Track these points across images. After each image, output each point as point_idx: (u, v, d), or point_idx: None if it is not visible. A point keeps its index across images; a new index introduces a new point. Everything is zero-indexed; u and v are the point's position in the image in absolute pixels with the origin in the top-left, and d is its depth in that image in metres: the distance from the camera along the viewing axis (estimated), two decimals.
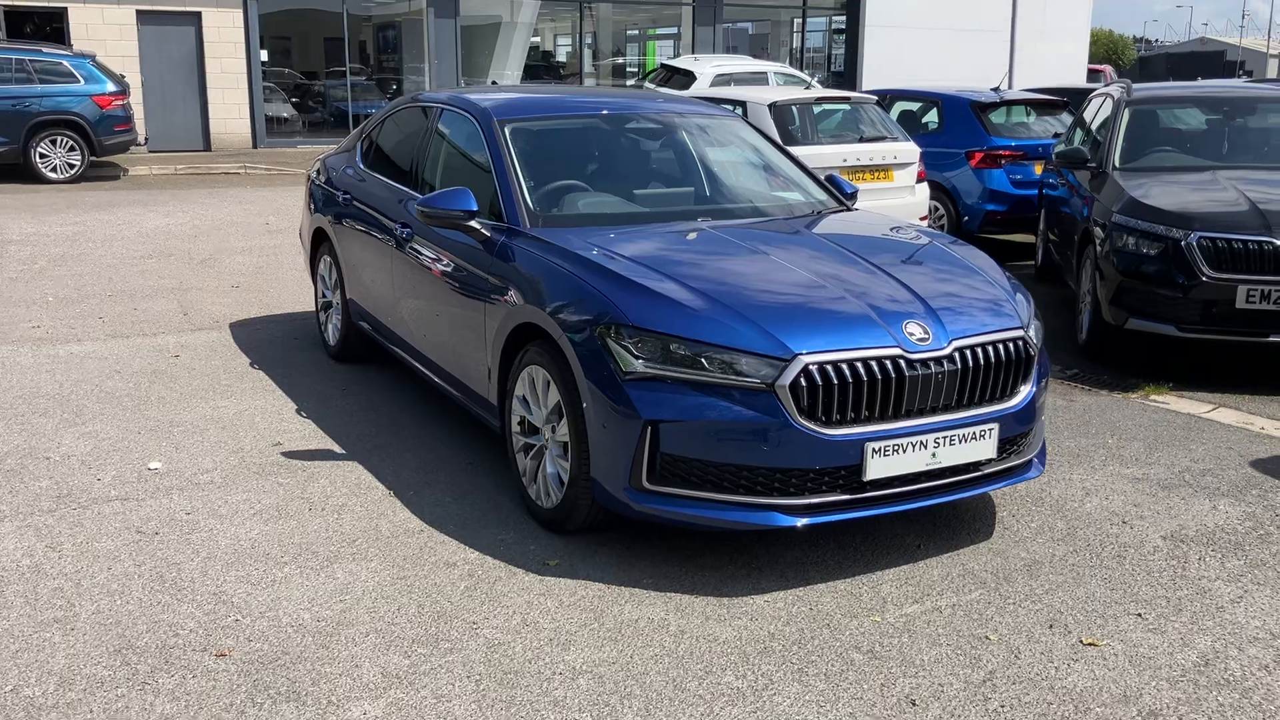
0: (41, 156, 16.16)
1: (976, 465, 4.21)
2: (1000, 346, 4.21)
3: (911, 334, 4.05)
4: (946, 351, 4.06)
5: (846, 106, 10.48)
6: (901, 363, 3.98)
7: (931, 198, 10.82)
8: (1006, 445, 4.30)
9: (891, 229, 5.26)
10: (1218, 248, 6.50)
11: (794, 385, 3.86)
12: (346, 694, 3.36)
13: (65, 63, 16.48)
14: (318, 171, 7.36)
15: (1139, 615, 3.88)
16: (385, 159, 6.44)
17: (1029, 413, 4.34)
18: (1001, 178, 10.75)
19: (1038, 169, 10.70)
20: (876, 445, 3.94)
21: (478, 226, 4.91)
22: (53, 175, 16.23)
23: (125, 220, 12.96)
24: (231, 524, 4.57)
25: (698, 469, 3.96)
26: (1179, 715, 3.29)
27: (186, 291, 9.15)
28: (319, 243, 7.17)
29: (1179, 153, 8.02)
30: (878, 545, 4.41)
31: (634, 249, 4.57)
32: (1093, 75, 30.64)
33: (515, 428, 4.67)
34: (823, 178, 5.85)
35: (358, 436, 5.64)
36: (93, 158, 16.62)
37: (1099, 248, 7.15)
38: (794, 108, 9.94)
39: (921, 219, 10.08)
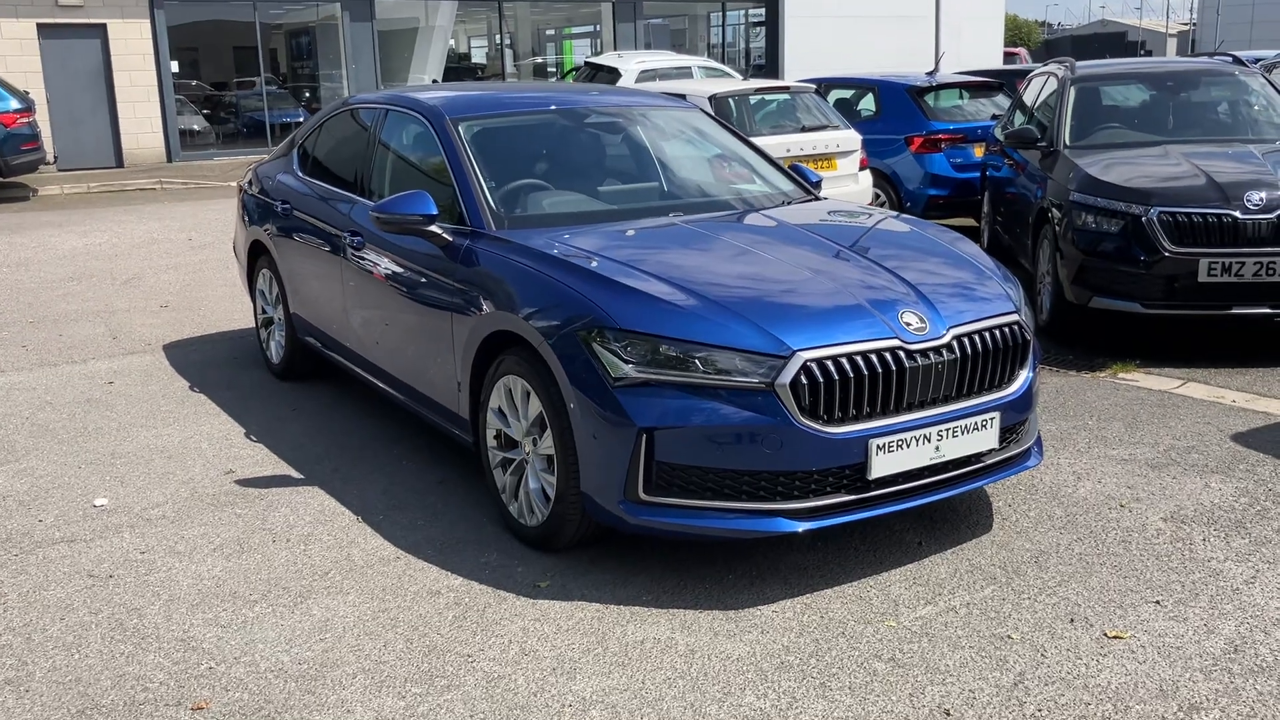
0: None
1: (979, 456, 4.06)
2: (998, 332, 4.06)
3: (908, 324, 3.88)
4: (945, 340, 3.90)
5: (786, 96, 10.35)
6: (901, 354, 3.81)
7: (873, 185, 10.74)
8: (1007, 434, 4.16)
9: (866, 216, 5.10)
10: (1178, 222, 6.46)
11: (794, 383, 3.67)
12: None
13: None
14: (249, 182, 7.01)
15: (1157, 603, 3.75)
16: (326, 165, 6.13)
17: (1027, 399, 4.20)
18: (942, 162, 10.71)
19: (977, 151, 10.67)
20: (880, 442, 3.76)
21: (439, 231, 4.65)
22: None
23: (39, 242, 12.38)
24: (191, 561, 4.26)
25: (696, 477, 3.75)
26: (1221, 708, 3.16)
27: (113, 314, 8.71)
28: (256, 256, 6.82)
29: (1127, 129, 8.00)
30: (878, 545, 4.24)
31: (609, 247, 4.34)
32: (1008, 59, 31.05)
33: (491, 442, 4.42)
34: (789, 166, 5.67)
35: (315, 459, 5.33)
36: (0, 179, 15.92)
37: (1057, 228, 7.08)
38: (733, 99, 9.78)
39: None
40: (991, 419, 4.01)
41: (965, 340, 3.95)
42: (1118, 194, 6.70)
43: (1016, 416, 4.16)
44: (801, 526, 3.76)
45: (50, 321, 8.48)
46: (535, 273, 4.17)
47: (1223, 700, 3.19)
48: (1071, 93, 8.08)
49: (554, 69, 27.58)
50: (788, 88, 10.30)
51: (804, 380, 3.68)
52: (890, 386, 3.79)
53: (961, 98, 11.75)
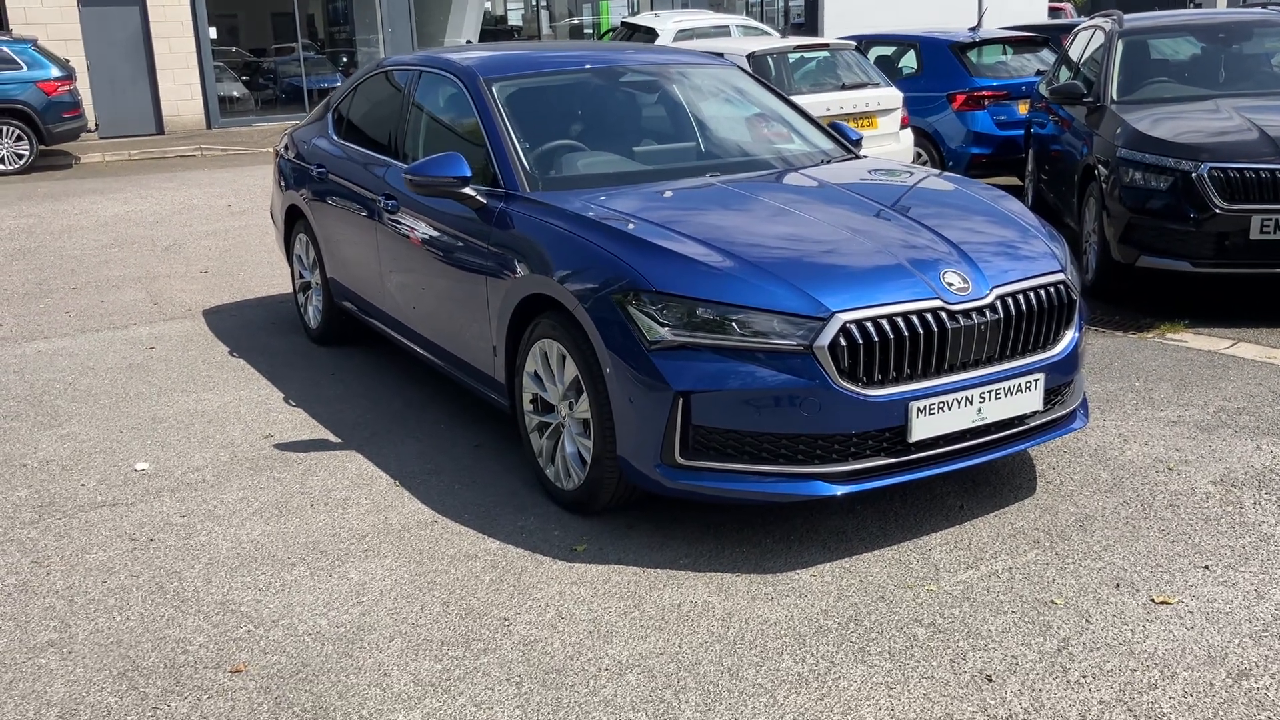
0: None
1: (1023, 419, 3.98)
2: (1042, 292, 3.97)
3: (950, 284, 3.79)
4: (988, 300, 3.81)
5: (825, 54, 10.19)
6: (943, 315, 3.73)
7: (915, 143, 10.57)
8: (1051, 396, 4.07)
9: (908, 175, 5.00)
10: (1229, 178, 6.29)
11: (833, 345, 3.61)
12: (378, 707, 3.09)
13: (5, 49, 15.87)
14: (286, 147, 7.00)
15: (1206, 568, 3.67)
16: (361, 129, 6.10)
17: (1072, 361, 4.11)
18: (985, 119, 10.50)
19: (1021, 108, 10.46)
20: (921, 404, 3.69)
21: (472, 193, 4.60)
22: (0, 167, 15.65)
23: (82, 210, 12.48)
24: (230, 525, 4.28)
25: (734, 440, 3.71)
26: (1271, 674, 3.08)
27: (154, 280, 8.77)
28: (293, 221, 6.82)
29: (1177, 83, 7.79)
30: (919, 508, 4.18)
31: (645, 209, 4.28)
32: (1053, 14, 30.41)
33: (528, 406, 4.39)
34: (829, 124, 5.57)
35: (353, 424, 5.34)
36: (42, 147, 16.05)
37: (1104, 184, 6.93)
38: (772, 57, 9.64)
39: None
40: (1036, 380, 3.92)
41: (1009, 300, 3.87)
42: (1167, 150, 6.53)
43: (1062, 378, 4.07)
44: (840, 490, 3.70)
45: (92, 288, 8.54)
46: (570, 235, 4.13)
47: (1273, 667, 3.11)
48: (1119, 46, 7.88)
49: (590, 30, 27.35)
50: (827, 45, 10.13)
51: (843, 342, 3.61)
52: (931, 348, 3.72)
53: (1005, 53, 11.51)
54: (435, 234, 4.91)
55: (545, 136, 4.95)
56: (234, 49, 23.77)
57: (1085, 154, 7.42)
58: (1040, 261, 4.06)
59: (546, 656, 3.30)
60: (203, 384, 6.05)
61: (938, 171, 5.12)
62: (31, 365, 6.51)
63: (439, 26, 23.05)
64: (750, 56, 9.40)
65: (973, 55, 10.99)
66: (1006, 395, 3.86)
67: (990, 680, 3.11)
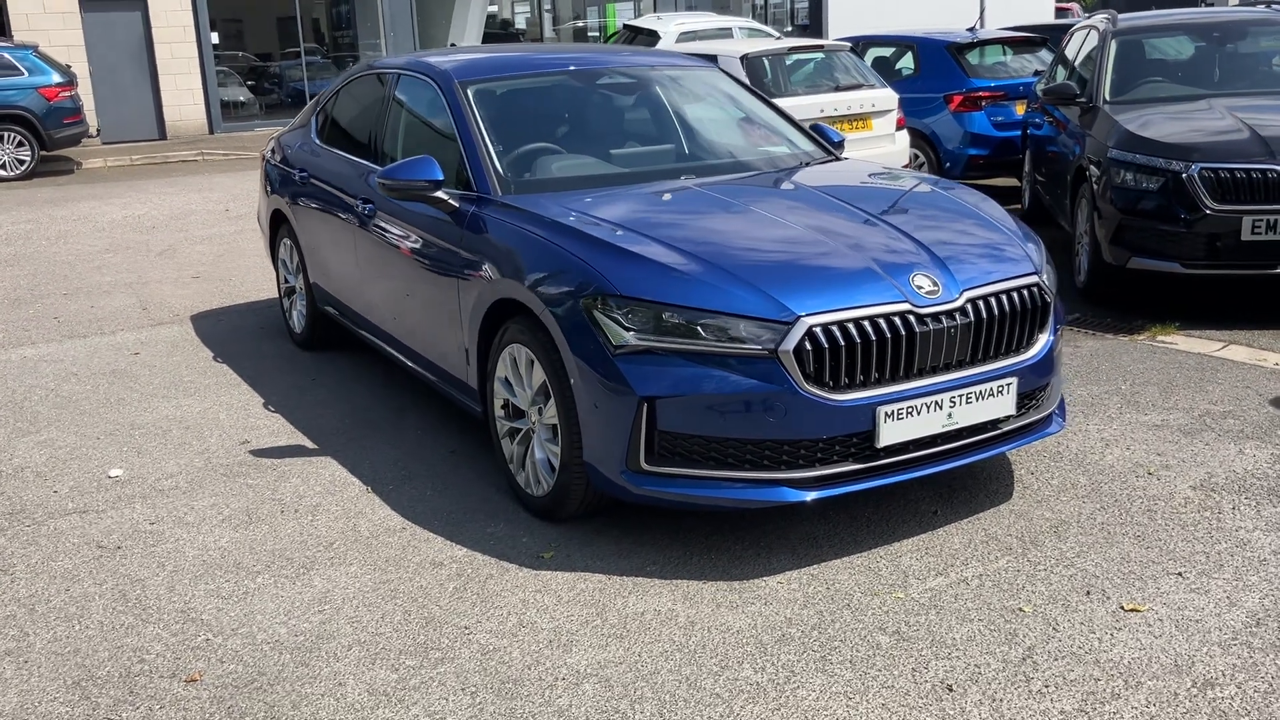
0: None
1: (995, 423, 3.93)
2: (1015, 294, 3.91)
3: (920, 287, 3.74)
4: (958, 303, 3.76)
5: (820, 55, 10.14)
6: (911, 318, 3.68)
7: (911, 145, 10.50)
8: (1026, 400, 4.01)
9: (886, 177, 4.95)
10: (1220, 178, 6.22)
11: (798, 350, 3.56)
12: (331, 717, 3.05)
13: (6, 55, 15.91)
14: (273, 150, 6.98)
15: (1179, 575, 3.61)
16: (342, 132, 6.07)
17: (1048, 364, 4.05)
18: (982, 120, 10.43)
19: (1019, 109, 10.39)
20: (889, 409, 3.64)
21: (444, 197, 4.57)
22: (2, 173, 15.70)
23: (80, 215, 12.50)
24: (199, 532, 4.25)
25: (699, 446, 3.66)
26: (1237, 684, 3.02)
27: (145, 285, 8.76)
28: (278, 225, 6.80)
29: (1171, 82, 7.72)
30: (892, 514, 4.13)
31: (616, 212, 4.24)
32: (1060, 13, 30.28)
33: (499, 412, 4.36)
34: (810, 126, 5.52)
35: (331, 430, 5.31)
36: (43, 152, 16.09)
37: (1095, 185, 6.86)
38: (766, 59, 9.59)
39: (902, 168, 9.77)
40: (1008, 384, 3.87)
41: (980, 303, 3.81)
42: (1157, 150, 6.47)
43: (1036, 381, 4.02)
44: (807, 496, 3.66)
45: (84, 293, 8.54)
46: (537, 239, 4.09)
47: (1239, 675, 3.06)
48: (1112, 46, 7.81)
49: (596, 33, 27.32)
50: (821, 46, 10.08)
51: (808, 346, 3.56)
52: (899, 352, 3.67)
53: (1004, 54, 11.44)
54: (410, 238, 4.88)
55: (520, 139, 4.92)
56: (240, 54, 23.80)
57: (1078, 155, 7.36)
58: (1013, 264, 4.01)
59: (504, 666, 3.26)
60: (184, 390, 6.03)
61: (915, 173, 5.07)
62: (15, 371, 6.50)
63: (441, 30, 23.05)
64: (744, 59, 9.37)
65: (971, 56, 10.92)
66: (978, 399, 3.81)
67: (951, 690, 3.05)
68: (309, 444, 5.14)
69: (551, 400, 3.95)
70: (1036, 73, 10.63)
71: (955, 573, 3.69)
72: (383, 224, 5.14)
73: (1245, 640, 3.23)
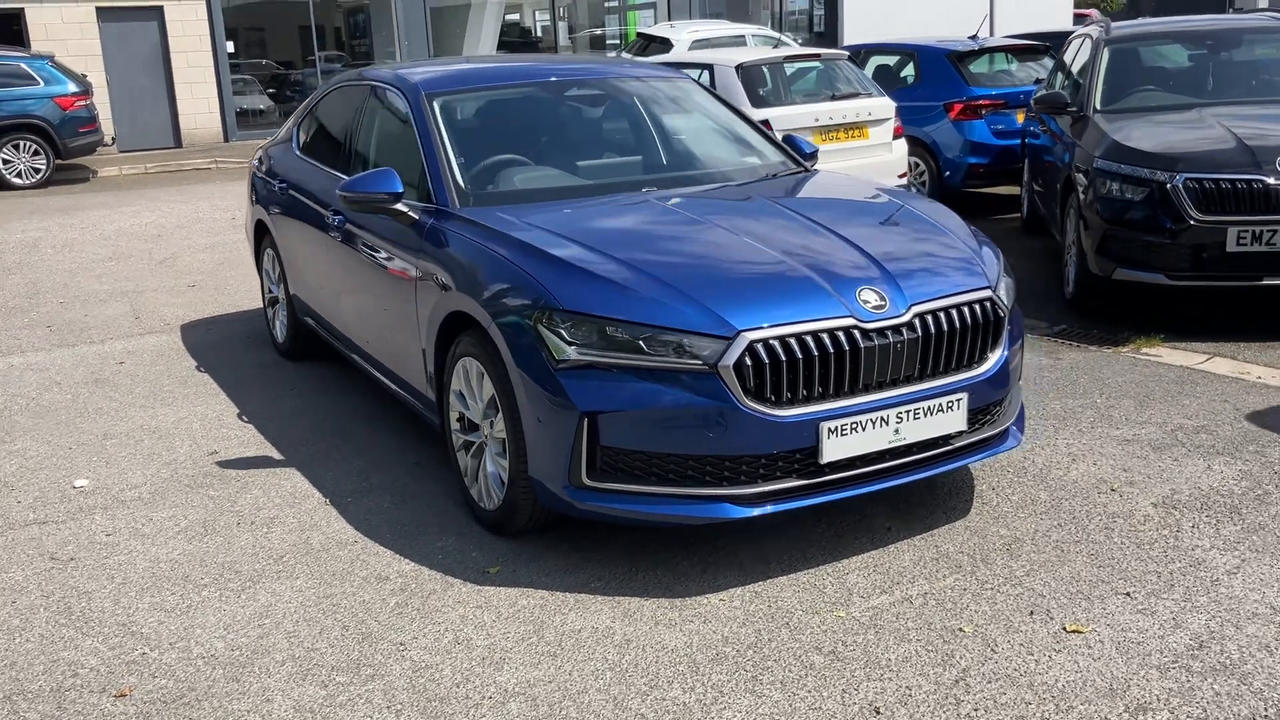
0: (4, 162, 15.80)
1: (946, 439, 3.88)
2: (966, 309, 3.86)
3: (866, 301, 3.70)
4: (905, 318, 3.72)
5: (818, 64, 10.09)
6: (856, 334, 3.64)
7: (911, 154, 10.44)
8: (978, 415, 3.96)
9: (850, 189, 4.91)
10: (1205, 189, 6.13)
11: (738, 365, 3.53)
12: None
13: (23, 65, 16.09)
14: (259, 161, 7.01)
15: (1127, 595, 3.55)
16: (318, 143, 6.09)
17: (1001, 379, 4.00)
18: (982, 129, 10.36)
19: (1020, 118, 10.31)
20: (832, 425, 3.60)
21: (404, 209, 4.57)
22: (17, 181, 15.87)
23: (88, 223, 12.61)
24: (154, 544, 4.25)
25: (641, 461, 3.64)
26: (1170, 709, 2.97)
27: (141, 294, 8.82)
28: (261, 235, 6.83)
29: (1163, 91, 7.63)
30: (845, 530, 4.09)
31: (569, 226, 4.22)
32: (1079, 20, 30.05)
33: (454, 424, 4.34)
34: (780, 138, 5.49)
35: (299, 441, 5.31)
36: (59, 161, 16.26)
37: (1082, 195, 6.79)
38: (762, 68, 9.55)
39: (900, 176, 9.71)
40: (958, 400, 3.82)
41: (929, 318, 3.77)
42: (1142, 160, 6.39)
43: (989, 397, 3.96)
44: (749, 512, 3.62)
45: (80, 302, 8.60)
46: (487, 252, 4.08)
47: (1174, 700, 3.00)
48: (1104, 55, 7.73)
49: (616, 41, 27.33)
50: (818, 55, 10.04)
51: (748, 361, 3.53)
52: (843, 367, 3.63)
53: (1008, 62, 11.36)
54: (375, 250, 4.88)
55: (485, 151, 4.91)
56: (264, 61, 23.98)
57: (1067, 163, 7.29)
58: (966, 278, 3.96)
59: (434, 684, 3.24)
60: (162, 399, 6.05)
61: (881, 185, 5.01)
62: (0, 380, 6.55)
63: (457, 39, 23.14)
64: (739, 68, 9.33)
65: (973, 64, 10.84)
66: (926, 415, 3.76)
67: (878, 713, 3.01)
68: (276, 455, 5.15)
69: (500, 413, 3.94)
70: (1038, 81, 10.54)
71: (900, 591, 3.65)
72: (351, 236, 5.15)
73: (1185, 664, 3.16)
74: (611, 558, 3.94)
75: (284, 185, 6.21)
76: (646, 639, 3.42)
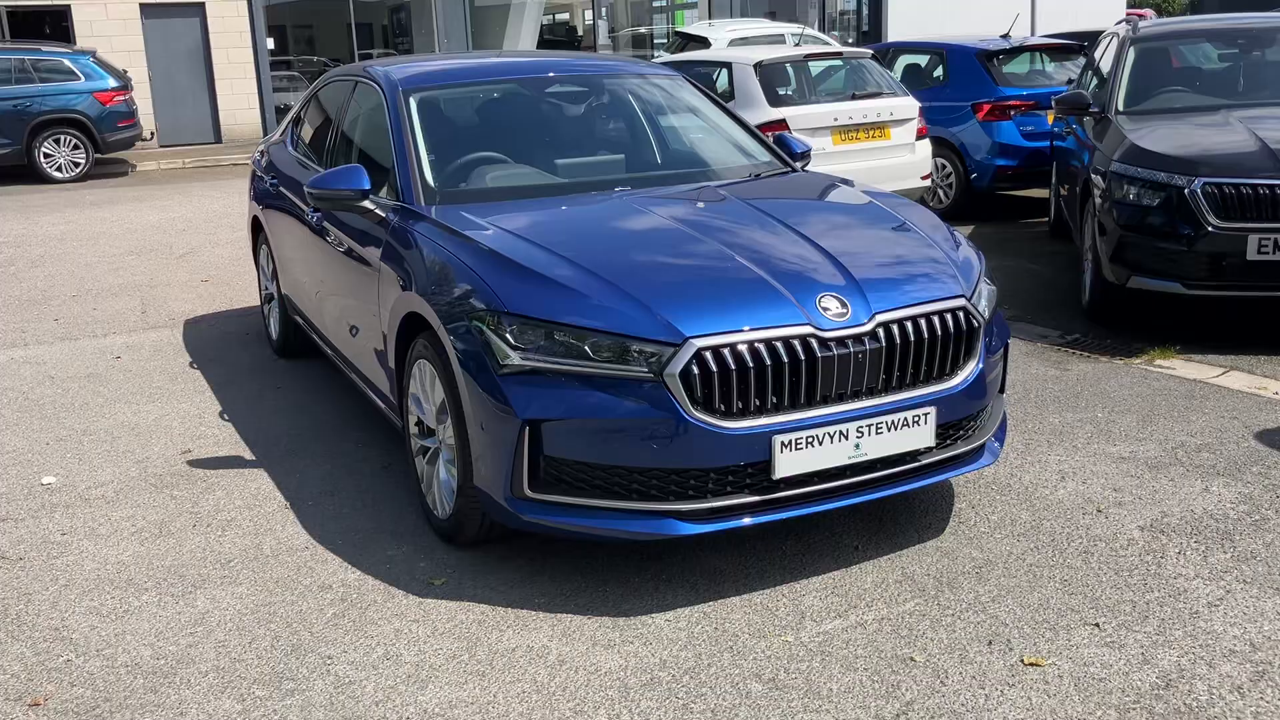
0: (45, 156, 15.99)
1: (913, 455, 3.68)
2: (936, 319, 3.66)
3: (826, 309, 3.52)
4: (867, 328, 3.53)
5: (839, 63, 9.89)
6: (813, 342, 3.46)
7: (937, 155, 10.19)
8: (949, 431, 3.76)
9: (831, 191, 4.71)
10: (1224, 194, 5.86)
11: (685, 373, 3.36)
12: None
13: (65, 60, 16.28)
14: (259, 156, 6.95)
15: (1096, 626, 3.34)
16: (307, 139, 6.01)
17: (975, 392, 3.79)
18: (1011, 130, 10.07)
19: (1051, 119, 10.00)
20: (786, 438, 3.42)
21: (371, 207, 4.46)
22: (58, 175, 16.05)
23: (119, 217, 12.69)
24: (106, 545, 4.17)
25: (585, 473, 3.48)
26: None
27: (154, 288, 8.81)
28: (257, 232, 6.77)
29: (1190, 92, 7.34)
30: (809, 547, 3.90)
31: (529, 225, 4.08)
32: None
33: (413, 429, 4.22)
34: (772, 137, 5.31)
35: (275, 440, 5.22)
36: (97, 155, 16.42)
37: (1098, 200, 6.53)
38: (782, 67, 9.36)
39: (924, 178, 9.48)
40: (925, 415, 3.62)
41: (894, 328, 3.57)
42: (1160, 164, 6.12)
43: (961, 411, 3.76)
44: (697, 529, 3.46)
45: (92, 295, 8.61)
46: (442, 251, 3.95)
47: None
48: (1130, 54, 7.45)
49: (663, 40, 27.16)
50: (840, 54, 9.82)
51: (695, 370, 3.36)
52: (799, 378, 3.45)
53: (1041, 62, 11.06)
54: (345, 249, 4.78)
55: (460, 149, 4.79)
56: (315, 58, 24.12)
57: (1086, 166, 7.02)
58: (939, 286, 3.76)
59: (353, 701, 3.12)
60: (149, 396, 6.00)
61: (866, 187, 4.81)
62: None
63: (496, 37, 23.11)
64: (757, 66, 9.14)
65: (1004, 64, 10.55)
66: (890, 430, 3.57)
67: None
68: (248, 455, 5.06)
69: (450, 419, 3.81)
70: (1069, 81, 10.23)
71: (856, 615, 3.46)
72: (326, 233, 5.05)
73: (1148, 705, 2.95)
74: (563, 571, 3.80)
75: (274, 181, 6.14)
76: (581, 660, 3.27)
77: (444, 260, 3.90)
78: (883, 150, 9.19)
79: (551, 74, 5.31)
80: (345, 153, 5.34)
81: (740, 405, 3.41)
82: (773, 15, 26.25)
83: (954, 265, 3.91)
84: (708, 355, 3.38)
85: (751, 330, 3.42)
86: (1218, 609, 3.41)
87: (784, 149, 5.16)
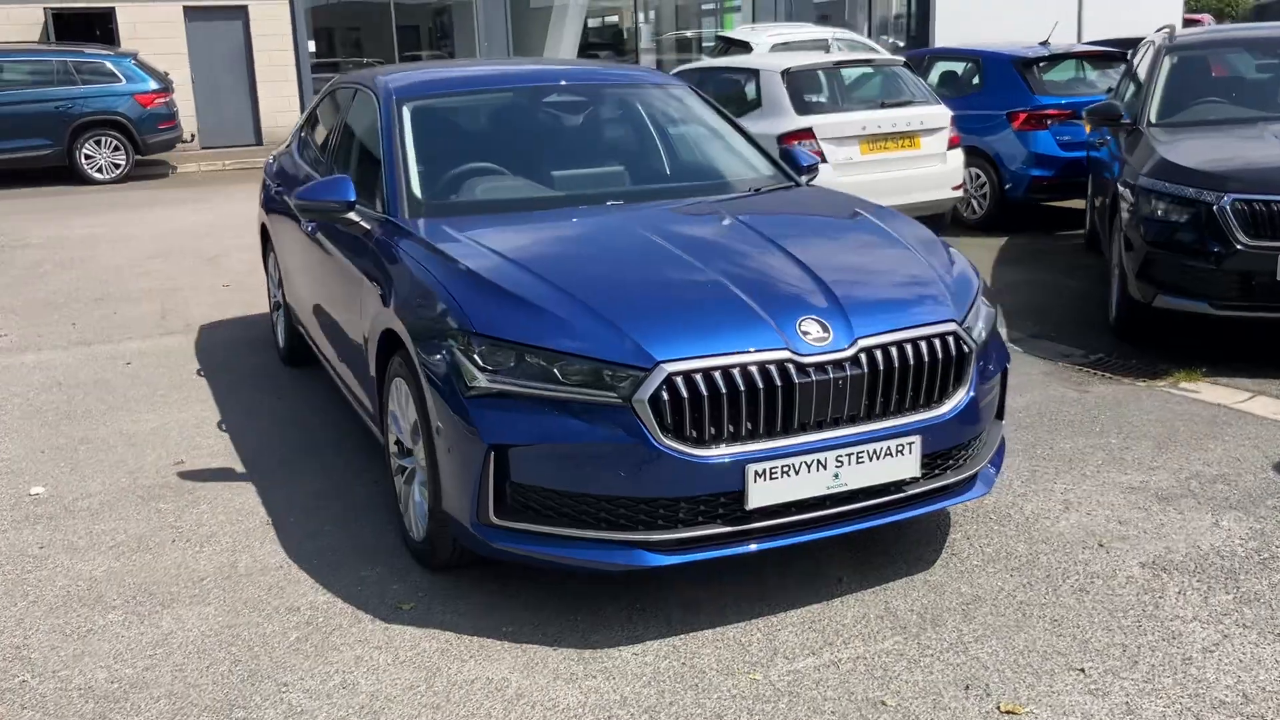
0: (87, 158, 16.17)
1: (899, 485, 3.53)
2: (923, 344, 3.51)
3: (806, 333, 3.38)
4: (848, 353, 3.39)
5: (869, 70, 9.71)
6: (790, 368, 3.32)
7: (971, 165, 9.98)
8: (937, 460, 3.60)
9: (829, 207, 4.57)
10: (1255, 211, 5.63)
11: (654, 399, 3.24)
12: None
13: (107, 63, 16.45)
14: (270, 163, 6.92)
15: (1081, 671, 3.17)
16: (310, 147, 5.97)
17: (967, 420, 3.63)
18: (1047, 139, 9.82)
19: (1088, 128, 9.75)
20: (760, 467, 3.29)
21: (356, 219, 4.38)
22: (99, 176, 16.23)
23: (152, 220, 12.78)
24: (82, 559, 4.13)
25: (553, 500, 3.37)
26: None
27: (176, 292, 8.83)
28: (266, 240, 6.73)
29: (1226, 104, 7.09)
30: (791, 580, 3.76)
31: (510, 241, 3.98)
32: (1188, 25, 28.76)
33: (393, 448, 4.14)
34: (779, 150, 5.16)
35: (268, 453, 5.16)
36: (138, 156, 16.58)
37: (1125, 214, 6.32)
38: (811, 74, 9.21)
39: (955, 188, 9.28)
40: (910, 444, 3.47)
41: (877, 353, 3.42)
42: (1189, 178, 5.90)
43: (950, 440, 3.60)
44: (667, 560, 3.33)
45: (114, 299, 8.64)
46: (418, 267, 3.86)
47: None
48: (1165, 63, 7.21)
49: (711, 43, 27.00)
50: (871, 61, 9.64)
51: (665, 395, 3.24)
52: (774, 404, 3.31)
53: (1081, 70, 10.79)
54: (334, 261, 4.71)
55: (453, 160, 4.70)
56: (366, 60, 24.19)
57: (1115, 179, 6.80)
58: (928, 310, 3.60)
59: None
60: (152, 404, 5.98)
61: (870, 205, 4.64)
62: (4, 377, 6.55)
63: (538, 41, 23.08)
64: (785, 73, 8.99)
65: (1042, 71, 10.30)
66: (872, 459, 3.42)
67: None
68: (238, 467, 5.01)
69: (422, 440, 3.71)
70: (1110, 90, 9.96)
71: (831, 653, 3.32)
72: (321, 244, 4.98)
73: None
74: (536, 597, 3.68)
75: (279, 189, 6.10)
76: (540, 694, 3.16)
77: (419, 276, 3.81)
78: (912, 160, 9.00)
79: (553, 83, 5.21)
80: (344, 162, 5.27)
81: (713, 432, 3.29)
82: (826, 19, 26.03)
83: (947, 287, 3.75)
84: (679, 381, 3.25)
85: (725, 355, 3.29)
86: (1212, 655, 3.22)
87: (789, 162, 5.01)
